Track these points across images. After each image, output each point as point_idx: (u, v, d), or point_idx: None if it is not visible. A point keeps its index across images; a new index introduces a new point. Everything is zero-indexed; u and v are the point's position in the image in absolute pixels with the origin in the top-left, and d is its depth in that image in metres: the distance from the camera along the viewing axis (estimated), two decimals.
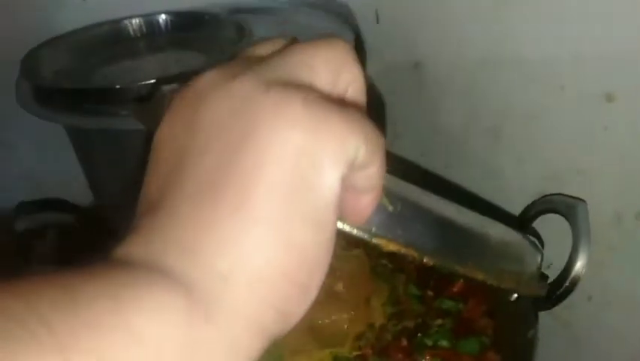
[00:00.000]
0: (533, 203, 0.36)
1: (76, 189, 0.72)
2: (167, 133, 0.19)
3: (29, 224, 0.33)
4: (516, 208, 0.39)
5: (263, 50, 0.21)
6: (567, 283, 0.31)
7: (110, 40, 0.58)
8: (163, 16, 0.60)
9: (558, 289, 0.32)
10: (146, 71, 0.54)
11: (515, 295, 0.35)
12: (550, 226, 0.37)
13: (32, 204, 0.47)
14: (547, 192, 0.37)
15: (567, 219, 0.32)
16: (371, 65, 0.56)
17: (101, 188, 0.55)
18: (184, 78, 0.51)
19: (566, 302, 0.32)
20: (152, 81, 0.48)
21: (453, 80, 0.47)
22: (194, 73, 0.50)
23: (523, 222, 0.37)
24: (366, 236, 0.20)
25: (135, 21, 0.59)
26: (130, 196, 0.55)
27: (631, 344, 0.36)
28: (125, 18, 0.59)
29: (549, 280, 0.33)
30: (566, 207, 0.32)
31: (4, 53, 0.55)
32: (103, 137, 0.48)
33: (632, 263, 0.34)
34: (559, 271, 0.33)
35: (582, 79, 0.34)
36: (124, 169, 0.50)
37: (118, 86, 0.47)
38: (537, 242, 0.33)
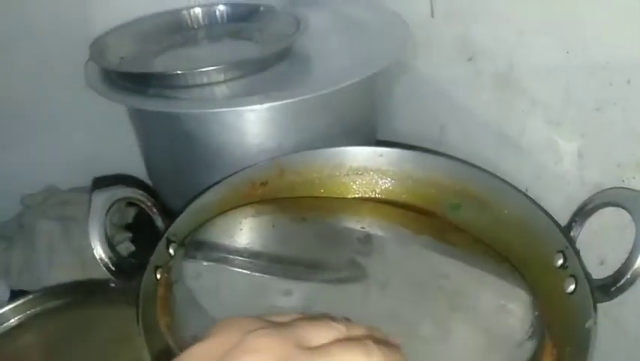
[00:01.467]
0: (592, 196, 0.35)
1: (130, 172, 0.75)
2: None
3: (105, 199, 0.35)
4: (573, 202, 0.38)
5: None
6: (628, 276, 0.31)
7: (171, 29, 0.60)
8: (221, 7, 0.62)
9: (619, 281, 0.31)
10: (204, 59, 0.57)
11: (572, 286, 0.35)
12: (604, 221, 0.37)
13: (106, 179, 0.49)
14: (606, 186, 0.37)
15: (630, 211, 0.32)
16: (424, 58, 0.57)
17: (157, 168, 0.57)
18: (238, 66, 0.53)
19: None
20: (210, 68, 0.50)
21: (510, 73, 0.46)
22: (248, 61, 0.51)
23: (580, 216, 0.36)
24: None
25: (195, 11, 0.61)
26: (184, 177, 0.57)
27: None
28: (186, 8, 0.62)
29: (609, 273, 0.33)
30: (630, 199, 0.32)
31: (74, 38, 0.58)
32: (162, 119, 0.50)
33: None
34: (611, 269, 0.33)
35: None
36: (180, 150, 0.52)
37: (178, 72, 0.49)
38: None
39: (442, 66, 0.55)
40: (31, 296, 0.58)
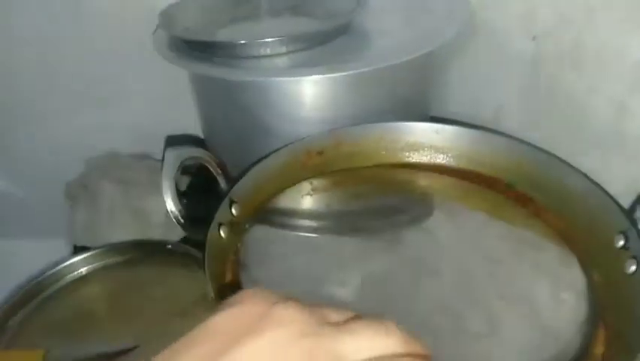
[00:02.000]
0: None
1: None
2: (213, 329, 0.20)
3: (176, 156, 0.37)
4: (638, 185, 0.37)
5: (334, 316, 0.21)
6: None
7: (234, 3, 0.62)
8: None
9: None
10: (266, 32, 0.58)
11: (633, 267, 0.34)
12: None
13: (178, 138, 0.52)
14: None
15: None
16: (485, 36, 0.56)
17: (215, 136, 0.60)
18: (300, 38, 0.54)
19: None
20: (273, 39, 0.51)
21: (575, 53, 0.45)
22: (310, 34, 0.52)
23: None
24: None
25: None
26: (241, 145, 0.59)
27: None
28: None
29: None
30: None
31: (139, 11, 0.61)
32: (224, 86, 0.52)
33: None
34: None
35: None
36: (239, 119, 0.53)
37: (243, 42, 0.51)
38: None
39: (503, 45, 0.54)
40: (96, 250, 0.62)
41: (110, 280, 0.61)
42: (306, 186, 0.46)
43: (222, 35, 0.58)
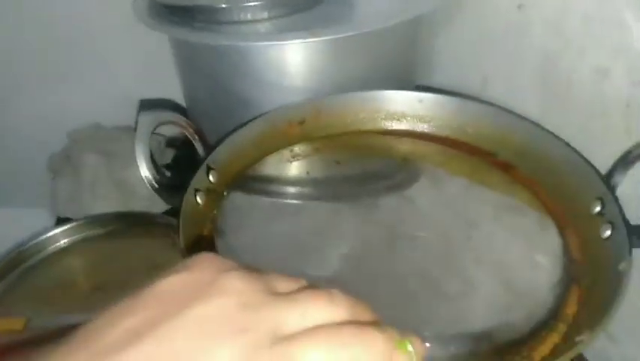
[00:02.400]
0: (636, 144, 0.35)
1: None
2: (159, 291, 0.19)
3: (150, 120, 0.36)
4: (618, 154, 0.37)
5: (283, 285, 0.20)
6: None
7: None
8: None
9: None
10: None
11: (608, 232, 0.34)
12: None
13: (153, 102, 0.51)
14: None
15: None
16: (471, 6, 0.55)
17: (197, 103, 0.59)
18: (283, 3, 0.53)
19: None
20: (255, 3, 0.50)
21: (561, 21, 0.45)
22: (291, 1, 0.50)
23: (622, 164, 0.36)
24: None
25: None
26: (223, 113, 0.57)
27: None
28: None
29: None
30: None
31: None
32: (205, 52, 0.51)
33: None
34: None
35: None
36: (220, 85, 0.52)
37: (224, 6, 0.50)
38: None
39: (489, 14, 0.53)
40: (78, 222, 0.61)
41: (91, 251, 0.60)
42: (286, 153, 0.45)
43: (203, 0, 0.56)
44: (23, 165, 0.73)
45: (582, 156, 0.38)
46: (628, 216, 0.33)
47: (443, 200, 0.40)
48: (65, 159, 0.70)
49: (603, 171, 0.37)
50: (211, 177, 0.41)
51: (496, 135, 0.45)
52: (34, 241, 0.59)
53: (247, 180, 0.43)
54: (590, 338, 0.27)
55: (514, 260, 0.34)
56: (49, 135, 0.72)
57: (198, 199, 0.39)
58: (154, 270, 0.56)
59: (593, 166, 0.37)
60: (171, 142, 0.77)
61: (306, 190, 0.42)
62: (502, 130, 0.44)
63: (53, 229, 0.61)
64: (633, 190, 0.36)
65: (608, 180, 0.36)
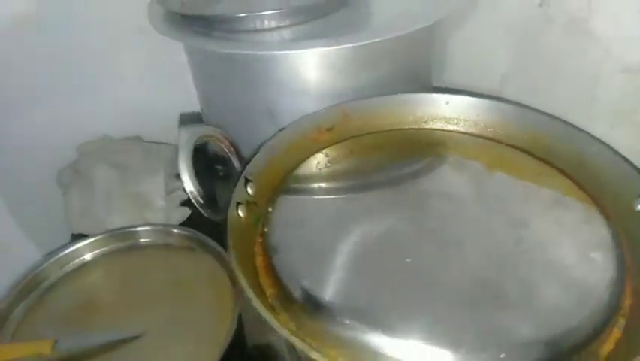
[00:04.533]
0: None
1: (172, 127, 0.76)
2: None
3: (190, 134, 0.36)
4: None
5: None
6: None
7: None
8: None
9: None
10: (264, 5, 0.56)
11: None
12: None
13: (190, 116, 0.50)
14: None
15: None
16: (487, 5, 0.55)
17: (217, 114, 0.58)
18: (302, 11, 0.52)
19: None
20: (276, 11, 0.49)
21: (585, 19, 0.45)
22: (312, 6, 0.50)
23: None
24: None
25: None
26: (245, 122, 0.57)
27: None
28: None
29: None
30: None
31: None
32: (227, 61, 0.50)
33: None
34: None
35: None
36: (239, 93, 0.52)
37: (244, 15, 0.49)
38: None
39: (508, 12, 0.53)
40: (96, 238, 0.60)
41: (112, 267, 0.59)
42: (320, 158, 0.45)
43: (220, 8, 0.55)
44: (32, 180, 0.71)
45: (619, 153, 0.39)
46: None
47: (486, 197, 0.40)
48: (75, 173, 0.69)
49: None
50: (249, 190, 0.41)
51: (525, 135, 0.45)
52: (52, 260, 0.58)
53: (286, 190, 0.42)
54: None
55: (567, 258, 0.34)
56: (57, 149, 0.70)
57: (240, 213, 0.39)
58: (177, 284, 0.56)
59: (631, 163, 0.38)
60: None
61: (345, 195, 0.42)
62: (533, 130, 0.45)
63: (71, 246, 0.59)
64: None
65: None
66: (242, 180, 0.40)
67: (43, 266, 0.57)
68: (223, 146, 0.40)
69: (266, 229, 0.38)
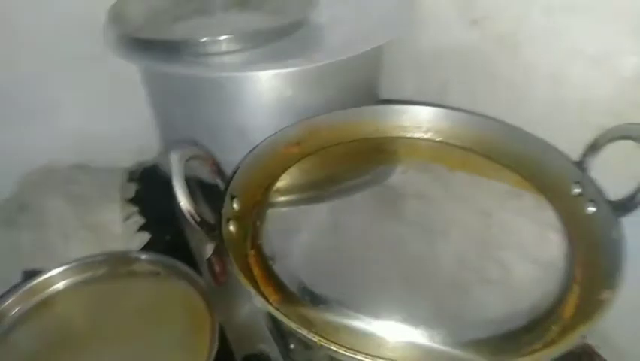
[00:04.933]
0: (603, 133, 0.42)
1: (125, 147, 0.75)
2: None
3: (181, 156, 0.37)
4: (576, 143, 0.45)
5: None
6: None
7: None
8: None
9: (635, 198, 0.38)
10: (221, 28, 0.58)
11: (592, 208, 0.41)
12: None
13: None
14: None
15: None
16: (427, 21, 0.61)
17: (173, 130, 0.58)
18: (265, 33, 0.55)
19: None
20: (230, 36, 0.51)
21: (515, 33, 0.52)
22: (275, 29, 0.54)
23: (591, 150, 0.43)
24: None
25: None
26: (203, 137, 0.58)
27: None
28: None
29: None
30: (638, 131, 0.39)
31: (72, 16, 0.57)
32: (187, 82, 0.52)
33: None
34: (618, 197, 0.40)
35: None
36: (207, 112, 0.53)
37: (203, 39, 0.51)
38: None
39: (446, 28, 0.60)
40: (55, 272, 0.57)
41: (75, 300, 0.57)
42: (295, 170, 0.48)
43: (177, 31, 0.57)
44: None
45: (554, 147, 0.46)
46: None
47: (452, 194, 0.45)
48: (20, 206, 0.65)
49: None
50: (235, 205, 0.42)
51: (473, 137, 0.51)
52: (11, 298, 0.55)
53: (271, 204, 0.44)
54: (613, 294, 0.33)
55: (527, 239, 0.40)
56: None
57: (231, 228, 0.40)
58: (147, 311, 0.55)
59: (565, 154, 0.45)
60: (132, 176, 0.74)
61: (326, 202, 0.45)
62: (478, 131, 0.51)
63: (28, 283, 0.56)
64: (601, 174, 0.44)
65: (580, 165, 0.44)
66: (228, 197, 0.42)
67: (1, 306, 0.54)
68: (207, 165, 0.42)
69: (259, 241, 0.40)
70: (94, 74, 0.66)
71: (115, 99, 0.70)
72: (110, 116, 0.71)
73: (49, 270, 0.58)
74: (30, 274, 0.60)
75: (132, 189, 0.72)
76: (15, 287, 0.55)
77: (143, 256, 0.60)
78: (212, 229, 0.38)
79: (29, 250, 0.62)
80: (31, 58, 0.64)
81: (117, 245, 0.64)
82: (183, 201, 0.36)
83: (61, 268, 0.58)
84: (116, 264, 0.60)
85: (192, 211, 0.37)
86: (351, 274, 0.37)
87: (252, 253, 0.40)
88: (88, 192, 0.66)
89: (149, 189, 0.74)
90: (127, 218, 0.67)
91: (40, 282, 0.57)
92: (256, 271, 0.39)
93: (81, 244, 0.62)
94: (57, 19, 0.62)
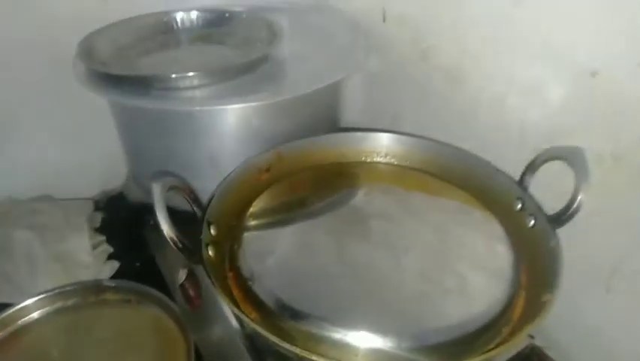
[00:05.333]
0: (539, 154, 0.48)
1: (89, 176, 0.76)
2: None
3: (162, 186, 0.40)
4: (515, 163, 0.50)
5: None
6: (574, 206, 0.43)
7: (145, 33, 0.64)
8: (191, 13, 0.66)
9: (567, 211, 0.44)
10: (187, 63, 0.61)
11: (532, 221, 0.47)
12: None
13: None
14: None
15: (569, 162, 0.44)
16: (378, 56, 0.67)
17: (150, 166, 0.60)
18: (232, 69, 0.58)
19: None
20: (193, 73, 0.54)
21: (460, 66, 0.58)
22: (241, 65, 0.58)
23: (530, 170, 0.49)
24: None
25: (170, 16, 0.65)
26: (178, 166, 0.61)
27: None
28: (165, 13, 0.65)
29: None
30: (568, 153, 0.45)
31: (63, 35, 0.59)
32: (156, 115, 0.54)
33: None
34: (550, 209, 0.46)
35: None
36: (177, 143, 0.56)
37: (173, 75, 0.53)
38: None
39: (395, 62, 0.65)
40: (24, 305, 0.57)
41: (46, 332, 0.57)
42: (266, 196, 0.51)
43: (145, 66, 0.59)
44: None
45: (498, 168, 0.51)
46: None
47: (411, 212, 0.49)
48: None
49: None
50: (212, 231, 0.45)
51: (426, 159, 0.56)
52: None
53: (246, 228, 0.47)
54: (553, 296, 0.38)
55: (477, 251, 0.45)
56: None
57: (210, 252, 0.43)
58: (120, 340, 0.56)
59: (508, 175, 0.50)
60: (97, 205, 0.75)
61: (297, 224, 0.49)
62: (430, 154, 0.56)
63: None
64: (539, 190, 0.49)
65: (521, 183, 0.49)
66: (206, 223, 0.44)
67: None
68: (184, 194, 0.44)
69: (237, 264, 0.43)
70: (57, 104, 0.67)
71: (78, 129, 0.71)
72: (74, 146, 0.72)
73: (16, 304, 0.58)
74: None
75: (99, 218, 0.73)
76: None
77: (114, 284, 0.61)
78: (194, 254, 0.41)
79: None
80: None
81: (85, 274, 0.64)
82: (166, 229, 0.39)
83: (33, 300, 0.58)
84: (87, 293, 0.61)
85: (175, 238, 0.39)
86: (324, 290, 0.41)
87: (230, 275, 0.43)
88: (55, 223, 0.66)
89: (115, 217, 0.74)
90: (96, 247, 0.68)
91: (10, 314, 0.57)
92: (235, 292, 0.42)
93: (48, 275, 0.62)
94: (21, 49, 0.63)
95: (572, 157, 0.45)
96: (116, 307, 0.61)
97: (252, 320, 0.39)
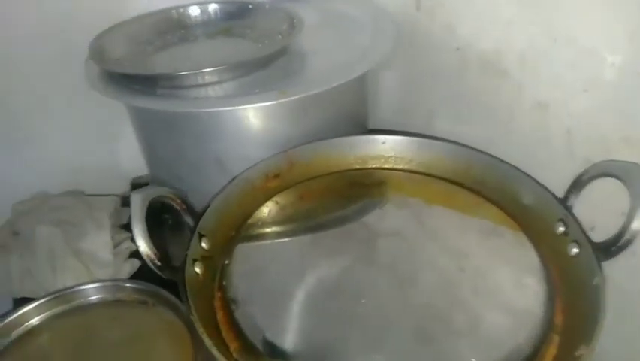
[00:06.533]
0: (587, 169, 0.40)
1: (111, 178, 0.75)
2: None
3: (143, 198, 0.37)
4: (562, 176, 0.42)
5: None
6: (627, 236, 0.35)
7: (163, 28, 0.61)
8: (212, 5, 0.63)
9: (619, 241, 0.36)
10: (203, 58, 0.58)
11: (575, 250, 0.39)
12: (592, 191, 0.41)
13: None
14: (595, 160, 0.41)
15: (623, 180, 0.36)
16: (412, 49, 0.60)
17: (164, 167, 0.58)
18: (245, 64, 0.54)
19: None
20: (220, 67, 0.51)
21: (497, 61, 0.50)
22: (254, 60, 0.52)
23: (576, 187, 0.41)
24: None
25: (186, 10, 0.62)
26: (193, 175, 0.58)
27: None
28: (175, 8, 0.62)
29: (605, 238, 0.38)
30: (622, 169, 0.37)
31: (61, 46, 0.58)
32: (166, 116, 0.51)
33: None
34: (603, 234, 0.38)
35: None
36: (185, 144, 0.53)
37: (188, 72, 0.50)
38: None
39: (429, 55, 0.58)
40: (43, 300, 0.58)
41: (62, 329, 0.57)
42: (271, 205, 0.47)
43: (160, 64, 0.56)
44: None
45: (539, 182, 0.44)
46: None
47: (428, 232, 0.43)
48: (12, 233, 0.66)
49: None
50: (204, 245, 0.41)
51: (458, 169, 0.49)
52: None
53: (240, 240, 0.43)
54: (589, 351, 0.31)
55: (503, 284, 0.38)
56: None
57: (197, 269, 0.39)
58: (133, 341, 0.55)
59: (549, 190, 0.43)
60: (126, 202, 0.74)
61: (298, 240, 0.44)
62: (461, 163, 0.49)
63: (15, 311, 0.57)
64: (579, 210, 0.41)
65: (565, 202, 0.41)
66: (196, 236, 0.41)
67: None
68: (174, 204, 0.41)
69: (224, 282, 0.39)
70: (85, 103, 0.66)
71: (106, 128, 0.70)
72: (106, 143, 0.71)
73: (36, 299, 0.58)
74: (18, 302, 0.61)
75: (126, 214, 0.73)
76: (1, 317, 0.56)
77: (131, 285, 0.60)
78: (175, 272, 0.38)
79: (19, 278, 0.63)
80: (24, 88, 0.65)
81: (106, 273, 0.64)
82: (142, 245, 0.36)
83: (47, 298, 0.58)
84: (104, 292, 0.60)
85: (152, 255, 0.36)
86: (314, 325, 0.36)
87: (218, 295, 0.39)
88: (79, 220, 0.66)
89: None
90: (117, 245, 0.67)
91: (26, 312, 0.57)
92: (220, 315, 0.38)
93: (68, 272, 0.62)
94: (49, 50, 0.63)
95: (627, 175, 0.37)
96: (131, 308, 0.59)
97: (232, 350, 0.35)
